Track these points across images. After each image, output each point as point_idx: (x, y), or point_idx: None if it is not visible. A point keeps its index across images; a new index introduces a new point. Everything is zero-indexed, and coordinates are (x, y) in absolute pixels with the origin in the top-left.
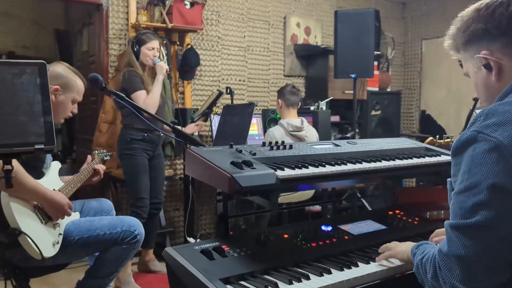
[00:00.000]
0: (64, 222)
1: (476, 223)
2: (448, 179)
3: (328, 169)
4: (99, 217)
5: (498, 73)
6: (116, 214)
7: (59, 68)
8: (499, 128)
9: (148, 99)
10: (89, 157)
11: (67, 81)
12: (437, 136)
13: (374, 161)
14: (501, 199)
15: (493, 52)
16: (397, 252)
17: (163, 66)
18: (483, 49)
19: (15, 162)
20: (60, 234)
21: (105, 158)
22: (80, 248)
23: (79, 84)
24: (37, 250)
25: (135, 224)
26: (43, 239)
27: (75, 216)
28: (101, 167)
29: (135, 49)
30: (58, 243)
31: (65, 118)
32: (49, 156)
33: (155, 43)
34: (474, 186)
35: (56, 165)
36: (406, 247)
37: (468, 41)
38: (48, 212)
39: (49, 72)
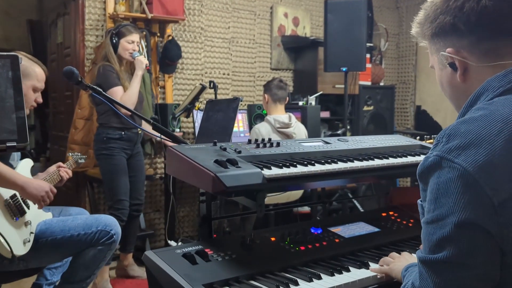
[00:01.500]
0: (35, 221)
1: (443, 259)
2: (419, 201)
3: (318, 168)
4: (73, 216)
5: (463, 73)
6: None
7: None
8: (462, 152)
9: (126, 97)
10: (55, 166)
11: (24, 69)
12: (425, 137)
13: (367, 160)
14: (469, 234)
15: (459, 50)
16: (392, 270)
17: (142, 61)
18: (449, 45)
19: None
20: (31, 232)
21: (79, 161)
22: (53, 250)
23: (37, 71)
24: (8, 248)
25: (111, 223)
26: (13, 237)
27: (47, 216)
28: (66, 175)
29: (114, 41)
30: (29, 241)
31: (30, 109)
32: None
33: (135, 37)
34: (440, 219)
35: (27, 163)
36: (401, 265)
37: (435, 34)
38: (30, 197)
39: None
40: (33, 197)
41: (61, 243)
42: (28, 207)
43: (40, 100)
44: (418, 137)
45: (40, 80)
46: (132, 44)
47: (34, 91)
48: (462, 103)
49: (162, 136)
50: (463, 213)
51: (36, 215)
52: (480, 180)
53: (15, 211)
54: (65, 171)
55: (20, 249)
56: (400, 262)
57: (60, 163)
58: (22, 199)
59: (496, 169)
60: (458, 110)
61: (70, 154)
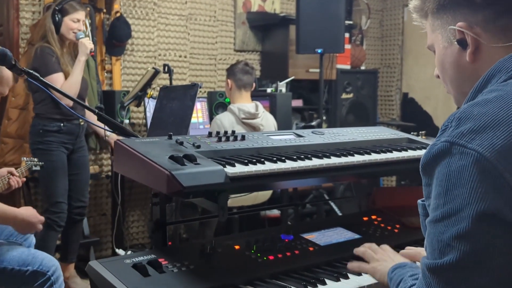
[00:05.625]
0: None
1: (458, 261)
2: (419, 201)
3: (289, 165)
4: (7, 246)
5: (474, 52)
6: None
7: None
8: (476, 136)
9: (66, 86)
10: (5, 169)
11: None
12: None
13: (345, 156)
14: (488, 229)
15: (472, 26)
16: (376, 270)
17: (87, 45)
18: (460, 19)
19: None
20: None
21: (33, 168)
22: None
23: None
24: None
25: (49, 263)
26: None
27: None
28: (16, 185)
29: (57, 19)
30: None
31: None
32: None
33: (80, 14)
34: (454, 214)
35: None
36: (387, 265)
37: (442, 6)
38: (18, 230)
39: None
40: (19, 231)
41: None
42: None
43: None
44: (413, 133)
45: (4, 85)
46: (78, 23)
47: None
48: (466, 88)
49: (107, 128)
50: (482, 204)
51: None
52: (499, 166)
53: None
54: (16, 180)
55: None
56: (386, 261)
57: (12, 170)
58: None
59: None
60: (458, 97)
61: (24, 159)
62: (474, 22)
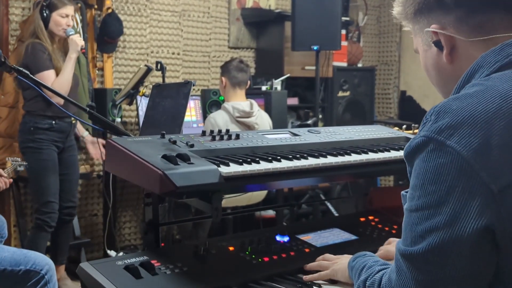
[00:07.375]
0: None
1: (428, 252)
2: (403, 193)
3: (284, 164)
4: None
5: (450, 53)
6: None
7: None
8: (454, 132)
9: (57, 84)
10: None
11: None
12: (413, 126)
13: (342, 155)
14: (461, 228)
15: (445, 27)
16: (335, 271)
17: (77, 42)
18: (435, 22)
19: None
20: None
21: (18, 169)
22: None
23: None
24: None
25: (42, 262)
26: None
27: None
28: (3, 186)
29: (45, 14)
30: None
31: None
32: None
33: (69, 9)
34: (428, 207)
35: None
36: (345, 262)
37: (419, 10)
38: None
39: None
40: None
41: None
42: None
43: None
44: (404, 126)
45: None
46: (66, 18)
47: None
48: (450, 88)
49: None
50: (457, 204)
51: None
52: (476, 165)
53: None
54: (4, 181)
55: None
56: (342, 259)
57: (0, 171)
58: None
59: (494, 152)
60: (446, 97)
61: (9, 159)
62: (447, 23)
